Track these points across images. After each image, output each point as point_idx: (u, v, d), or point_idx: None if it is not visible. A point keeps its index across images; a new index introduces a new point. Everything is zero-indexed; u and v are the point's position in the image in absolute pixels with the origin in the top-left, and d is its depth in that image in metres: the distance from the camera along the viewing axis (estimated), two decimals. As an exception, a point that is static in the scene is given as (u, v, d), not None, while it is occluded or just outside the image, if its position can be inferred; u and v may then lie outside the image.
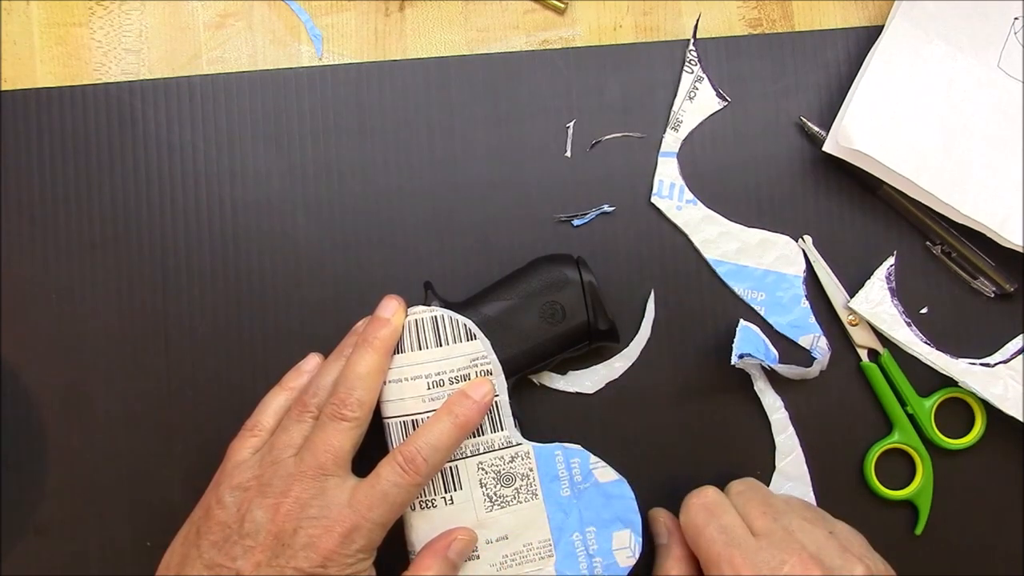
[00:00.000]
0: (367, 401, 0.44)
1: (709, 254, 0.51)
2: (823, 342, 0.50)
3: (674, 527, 0.47)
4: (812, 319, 0.51)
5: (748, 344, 0.48)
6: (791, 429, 0.50)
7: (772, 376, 0.50)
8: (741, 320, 0.49)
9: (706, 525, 0.44)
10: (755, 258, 0.51)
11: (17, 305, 0.50)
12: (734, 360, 0.48)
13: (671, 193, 0.51)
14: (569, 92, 0.52)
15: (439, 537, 0.45)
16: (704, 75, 0.52)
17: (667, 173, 0.51)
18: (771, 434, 0.50)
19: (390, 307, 0.46)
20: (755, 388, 0.50)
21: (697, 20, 0.52)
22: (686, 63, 0.52)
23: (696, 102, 0.52)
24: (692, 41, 0.52)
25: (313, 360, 0.48)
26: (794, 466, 0.50)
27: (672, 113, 0.51)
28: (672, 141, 0.51)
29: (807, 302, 0.51)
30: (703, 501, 0.45)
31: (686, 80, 0.52)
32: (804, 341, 0.51)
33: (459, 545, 0.44)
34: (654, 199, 0.51)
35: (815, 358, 0.50)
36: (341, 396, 0.44)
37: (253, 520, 0.42)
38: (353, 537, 0.42)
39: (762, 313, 0.51)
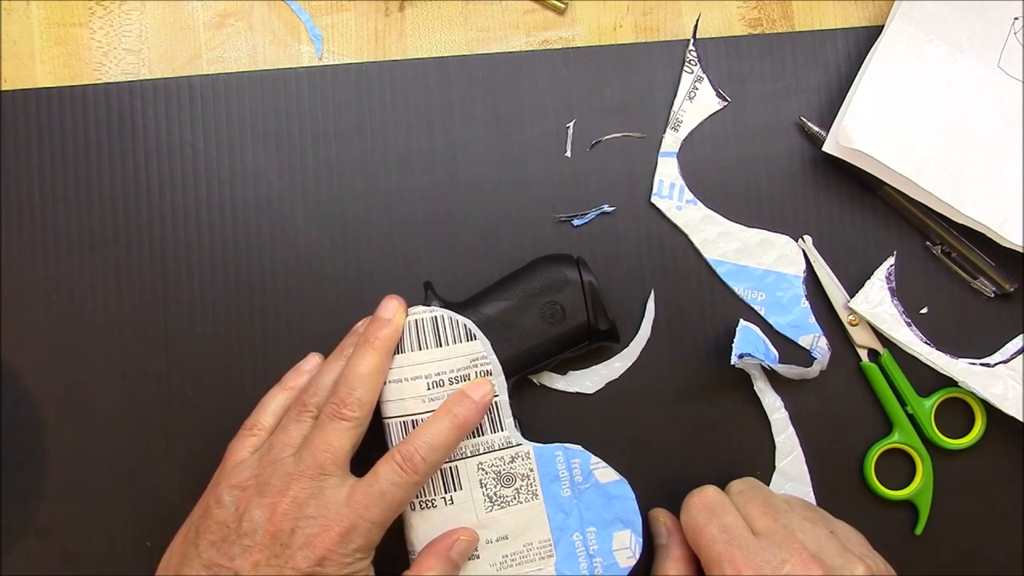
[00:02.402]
0: (367, 401, 0.44)
1: (709, 254, 0.51)
2: (823, 342, 0.50)
3: (674, 527, 0.47)
4: (812, 319, 0.51)
5: (748, 344, 0.48)
6: (791, 429, 0.50)
7: (772, 376, 0.50)
8: (741, 320, 0.49)
9: (707, 524, 0.44)
10: (755, 258, 0.51)
11: (17, 305, 0.50)
12: (734, 360, 0.48)
13: (671, 193, 0.51)
14: (569, 92, 0.52)
15: (441, 537, 0.45)
16: (704, 75, 0.52)
17: (667, 173, 0.51)
18: (771, 434, 0.50)
19: (390, 307, 0.46)
20: (755, 388, 0.50)
21: (697, 20, 0.52)
22: (686, 63, 0.52)
23: (696, 102, 0.52)
24: (692, 41, 0.52)
25: (313, 360, 0.48)
26: (794, 466, 0.50)
27: (672, 113, 0.51)
28: (672, 141, 0.51)
29: (807, 302, 0.51)
30: (704, 500, 0.45)
31: (686, 80, 0.52)
32: (804, 341, 0.51)
33: (461, 546, 0.44)
34: (654, 199, 0.51)
35: (815, 358, 0.50)
36: (341, 396, 0.44)
37: (251, 519, 0.42)
38: (351, 536, 0.42)
39: (762, 313, 0.51)
